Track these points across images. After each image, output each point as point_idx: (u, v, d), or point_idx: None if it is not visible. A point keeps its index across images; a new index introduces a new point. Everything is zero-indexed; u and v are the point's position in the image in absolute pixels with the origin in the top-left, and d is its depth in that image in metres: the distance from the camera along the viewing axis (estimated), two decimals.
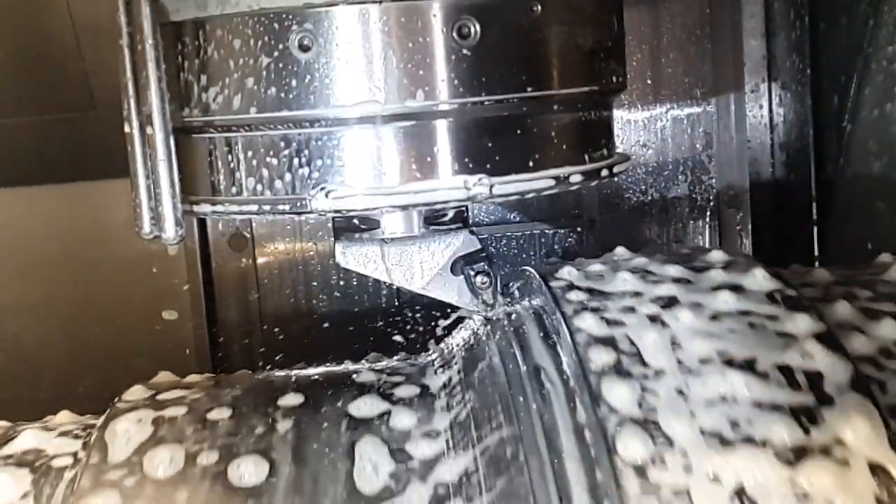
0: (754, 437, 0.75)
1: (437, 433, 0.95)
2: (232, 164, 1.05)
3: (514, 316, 1.03)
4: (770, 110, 1.79)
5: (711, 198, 1.90)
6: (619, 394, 0.81)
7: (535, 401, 0.89)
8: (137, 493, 0.88)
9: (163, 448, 0.92)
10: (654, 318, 0.89)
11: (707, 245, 1.91)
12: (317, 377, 1.08)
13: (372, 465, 0.91)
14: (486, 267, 1.10)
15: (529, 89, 1.01)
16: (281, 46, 0.98)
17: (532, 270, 1.03)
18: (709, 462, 0.74)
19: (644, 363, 0.84)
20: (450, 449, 0.93)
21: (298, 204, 1.02)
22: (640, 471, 0.75)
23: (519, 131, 1.03)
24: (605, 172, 1.11)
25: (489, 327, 1.05)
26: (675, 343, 0.85)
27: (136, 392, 1.04)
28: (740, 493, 0.73)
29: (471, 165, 1.01)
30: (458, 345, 1.09)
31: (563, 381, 0.89)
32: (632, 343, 0.86)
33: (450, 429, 0.96)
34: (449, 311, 1.14)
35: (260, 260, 1.87)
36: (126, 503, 0.87)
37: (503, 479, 0.87)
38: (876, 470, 0.74)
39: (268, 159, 1.03)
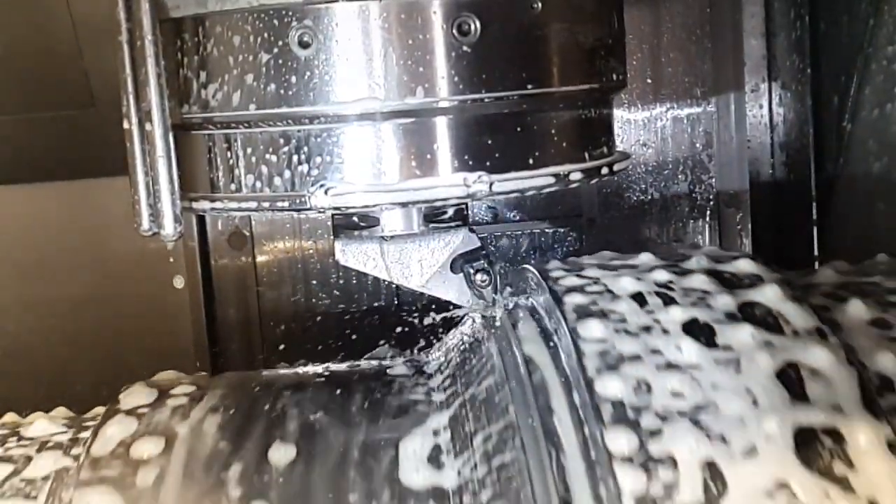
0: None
1: (436, 431, 0.95)
2: (231, 161, 1.05)
3: (513, 314, 1.03)
4: (770, 110, 1.79)
5: (711, 197, 1.90)
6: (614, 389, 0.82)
7: (533, 399, 0.89)
8: None
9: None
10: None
11: (707, 245, 1.91)
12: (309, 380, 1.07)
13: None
14: (485, 265, 1.10)
15: (529, 87, 1.01)
16: (280, 43, 0.98)
17: (532, 269, 1.03)
18: None
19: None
20: (449, 448, 0.93)
21: (298, 201, 1.02)
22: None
23: (519, 129, 1.03)
24: (605, 170, 1.11)
25: (488, 325, 1.05)
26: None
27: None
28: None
29: (470, 163, 1.01)
30: (457, 343, 1.09)
31: (561, 379, 0.89)
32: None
33: (448, 425, 0.96)
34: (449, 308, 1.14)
35: (259, 258, 1.87)
36: None
37: (501, 480, 0.87)
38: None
39: (267, 156, 1.03)
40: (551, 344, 0.93)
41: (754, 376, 0.79)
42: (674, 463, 0.75)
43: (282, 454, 0.91)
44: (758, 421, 0.76)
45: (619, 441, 0.76)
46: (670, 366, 0.81)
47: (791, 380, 0.79)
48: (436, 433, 0.93)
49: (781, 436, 0.75)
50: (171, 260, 1.78)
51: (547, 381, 0.89)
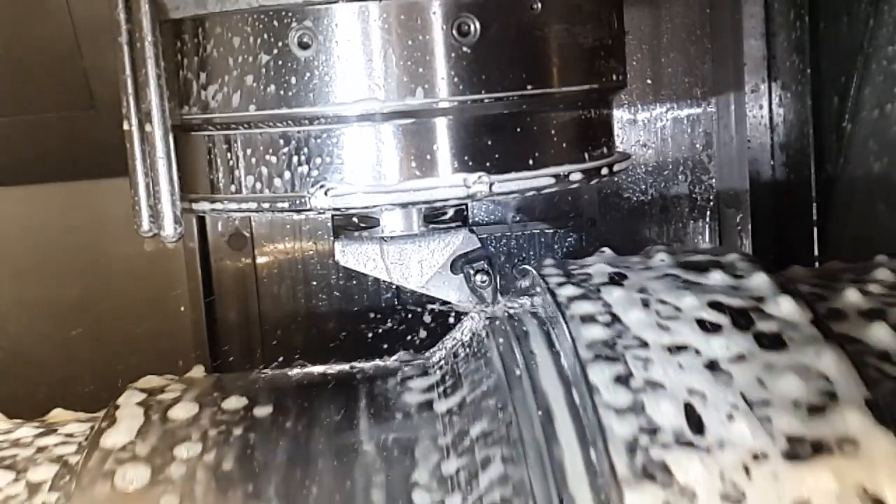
0: None
1: (437, 432, 0.96)
2: (231, 162, 1.05)
3: (513, 315, 1.03)
4: (770, 110, 1.79)
5: (711, 198, 1.90)
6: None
7: (533, 399, 0.90)
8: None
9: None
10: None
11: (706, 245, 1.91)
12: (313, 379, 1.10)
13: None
14: (485, 265, 1.09)
15: (529, 87, 1.01)
16: (280, 44, 0.98)
17: (532, 269, 1.03)
18: None
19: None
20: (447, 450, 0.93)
21: (298, 202, 1.02)
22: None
23: (519, 129, 1.03)
24: (605, 171, 1.11)
25: (489, 326, 1.05)
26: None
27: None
28: None
29: (470, 163, 1.01)
30: (457, 344, 1.09)
31: (562, 379, 0.89)
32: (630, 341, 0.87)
33: (448, 425, 0.96)
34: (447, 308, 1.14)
35: (259, 259, 1.87)
36: None
37: (499, 475, 0.88)
38: None
39: (267, 157, 1.03)
40: (552, 345, 0.93)
41: (673, 268, 0.99)
42: (608, 303, 0.92)
43: (297, 370, 1.12)
44: (679, 297, 0.94)
45: (567, 290, 0.96)
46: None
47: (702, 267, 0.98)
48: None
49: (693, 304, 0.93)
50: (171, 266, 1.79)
51: (547, 385, 0.91)
